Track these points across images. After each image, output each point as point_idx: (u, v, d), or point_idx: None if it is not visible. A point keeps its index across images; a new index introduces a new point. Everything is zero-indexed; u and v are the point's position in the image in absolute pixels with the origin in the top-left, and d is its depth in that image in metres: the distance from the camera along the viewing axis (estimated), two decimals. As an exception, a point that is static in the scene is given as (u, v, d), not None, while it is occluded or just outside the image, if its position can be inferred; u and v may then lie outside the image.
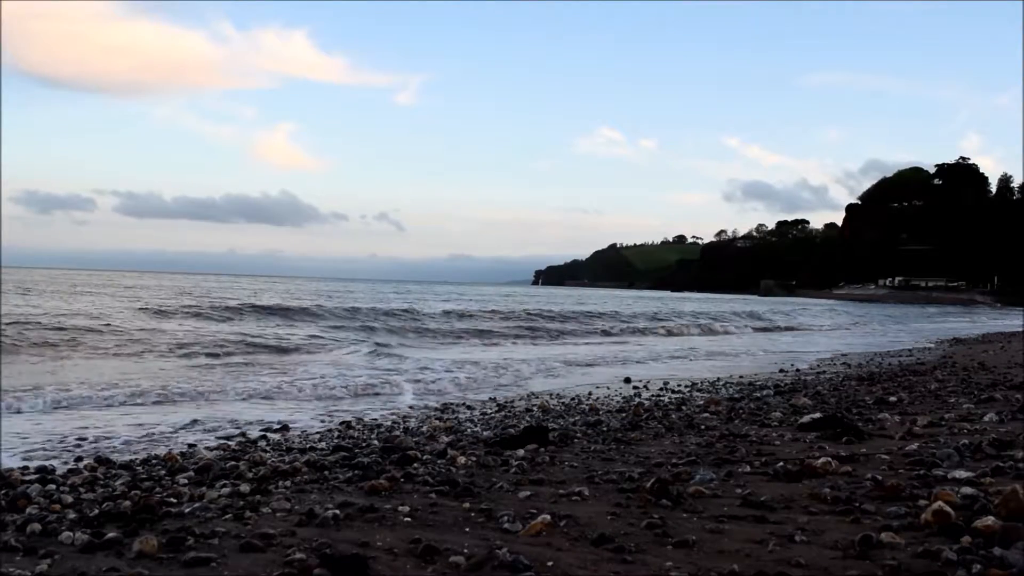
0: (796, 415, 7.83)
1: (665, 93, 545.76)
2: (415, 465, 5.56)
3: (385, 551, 3.54)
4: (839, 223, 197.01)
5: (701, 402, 9.84)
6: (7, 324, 17.33)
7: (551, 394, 11.05)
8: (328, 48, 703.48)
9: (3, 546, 3.64)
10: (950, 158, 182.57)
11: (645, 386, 12.13)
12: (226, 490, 4.78)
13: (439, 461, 5.76)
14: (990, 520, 3.50)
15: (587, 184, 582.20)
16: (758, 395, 10.57)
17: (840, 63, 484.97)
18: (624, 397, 10.74)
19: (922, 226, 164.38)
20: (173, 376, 12.11)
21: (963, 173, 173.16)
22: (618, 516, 4.13)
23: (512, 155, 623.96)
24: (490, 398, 10.69)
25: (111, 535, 3.72)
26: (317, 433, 7.75)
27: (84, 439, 7.20)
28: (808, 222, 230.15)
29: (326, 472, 5.39)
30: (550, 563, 3.34)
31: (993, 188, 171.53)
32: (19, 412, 8.50)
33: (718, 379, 13.28)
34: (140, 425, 7.95)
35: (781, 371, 15.10)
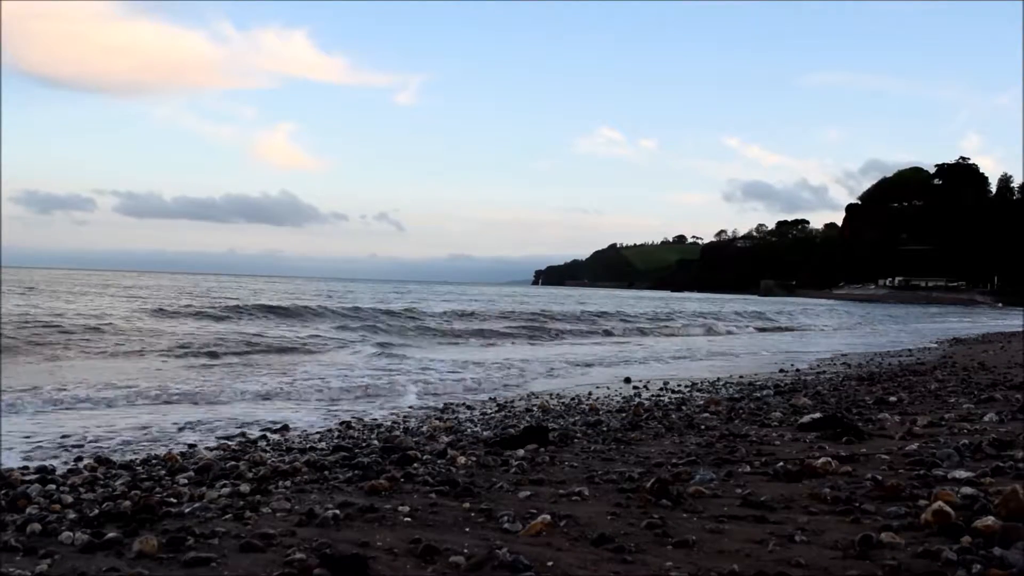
0: (796, 415, 7.83)
1: (665, 93, 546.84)
2: (415, 465, 5.56)
3: (385, 551, 3.54)
4: (839, 223, 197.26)
5: (701, 402, 9.84)
6: (7, 324, 17.32)
7: (551, 394, 11.05)
8: (328, 48, 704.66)
9: (3, 546, 3.64)
10: (950, 158, 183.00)
11: (645, 386, 12.12)
12: (226, 490, 4.78)
13: (439, 461, 5.75)
14: (990, 520, 3.50)
15: (587, 184, 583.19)
16: (758, 395, 10.57)
17: (840, 63, 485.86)
18: (624, 397, 10.74)
19: (922, 226, 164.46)
20: (173, 376, 12.11)
21: (963, 173, 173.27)
22: (618, 516, 4.13)
23: (512, 155, 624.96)
24: (490, 398, 10.68)
25: (111, 535, 3.72)
26: (317, 433, 7.74)
27: (84, 439, 7.19)
28: (808, 222, 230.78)
29: (326, 472, 5.39)
30: (550, 563, 3.34)
31: (993, 188, 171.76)
32: (19, 412, 8.49)
33: (718, 379, 13.28)
34: (140, 425, 7.94)
35: (781, 371, 15.10)
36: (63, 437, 7.24)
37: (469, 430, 7.75)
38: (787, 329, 36.17)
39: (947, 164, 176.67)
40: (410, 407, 9.76)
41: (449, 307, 36.45)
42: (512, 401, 10.32)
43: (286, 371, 13.16)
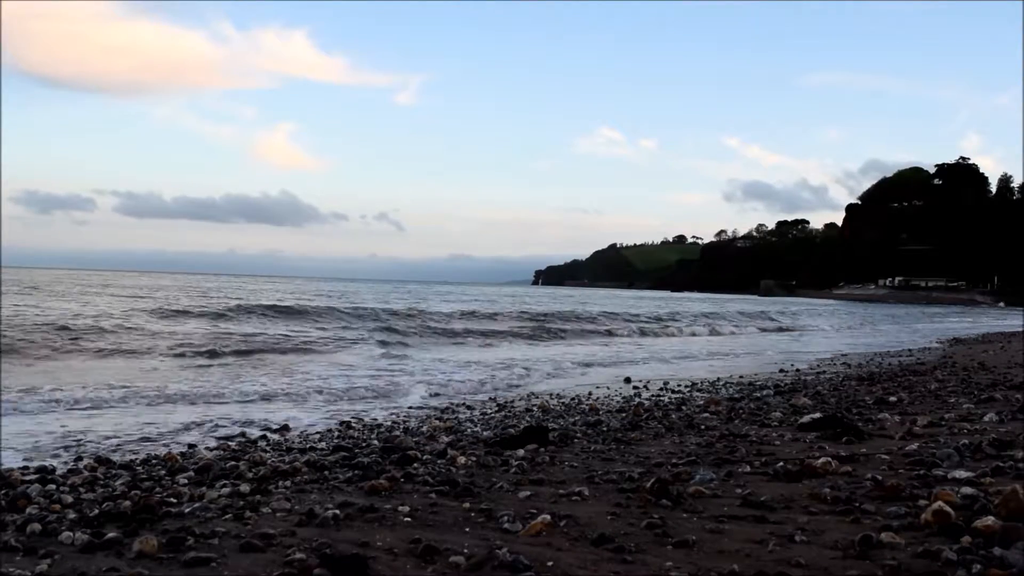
0: (796, 415, 7.83)
1: (665, 93, 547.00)
2: (415, 465, 5.56)
3: (385, 551, 3.54)
4: (839, 223, 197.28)
5: (701, 402, 9.84)
6: (7, 324, 17.32)
7: (551, 394, 11.04)
8: (328, 48, 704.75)
9: (3, 546, 3.64)
10: (950, 158, 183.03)
11: (645, 386, 12.12)
12: (226, 490, 4.78)
13: (439, 461, 5.76)
14: (990, 520, 3.50)
15: (587, 184, 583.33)
16: (758, 395, 10.57)
17: (840, 63, 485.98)
18: (624, 397, 10.73)
19: (922, 226, 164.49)
20: (173, 376, 12.11)
21: (963, 173, 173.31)
22: (618, 516, 4.13)
23: (512, 155, 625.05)
24: (490, 398, 10.68)
25: (111, 535, 3.72)
26: (317, 433, 7.74)
27: (84, 439, 7.19)
28: (808, 222, 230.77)
29: (326, 472, 5.39)
30: (550, 563, 3.34)
31: (993, 188, 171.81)
32: (19, 412, 8.49)
33: (718, 379, 13.28)
34: (140, 425, 7.95)
35: (781, 371, 15.09)
36: (63, 437, 7.24)
37: (469, 430, 7.75)
38: (787, 329, 36.15)
39: (947, 164, 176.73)
40: (410, 407, 9.76)
41: (449, 307, 36.43)
42: (512, 401, 10.32)
43: (286, 371, 13.17)
